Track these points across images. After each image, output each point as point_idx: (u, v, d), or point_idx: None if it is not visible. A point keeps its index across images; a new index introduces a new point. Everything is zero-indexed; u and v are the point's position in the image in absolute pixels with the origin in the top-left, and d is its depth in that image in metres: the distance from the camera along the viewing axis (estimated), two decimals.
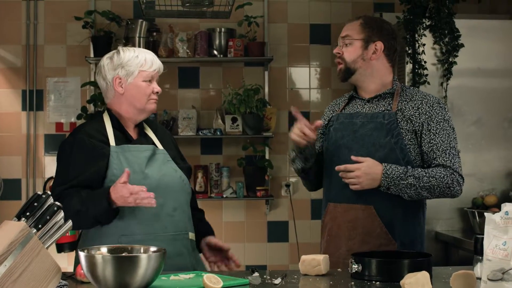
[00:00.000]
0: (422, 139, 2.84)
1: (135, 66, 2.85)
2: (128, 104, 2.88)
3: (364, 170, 2.77)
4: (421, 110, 2.86)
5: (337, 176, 2.88)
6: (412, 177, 2.77)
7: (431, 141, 2.83)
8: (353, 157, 2.80)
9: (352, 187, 2.80)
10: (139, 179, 2.73)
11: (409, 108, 2.87)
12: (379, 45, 2.92)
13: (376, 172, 2.77)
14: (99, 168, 2.75)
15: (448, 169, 2.81)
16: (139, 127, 2.94)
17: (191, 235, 2.88)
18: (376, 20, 3.00)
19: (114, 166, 2.76)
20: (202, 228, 3.02)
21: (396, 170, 2.77)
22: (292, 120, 5.35)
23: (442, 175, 2.79)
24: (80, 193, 2.70)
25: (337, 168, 2.82)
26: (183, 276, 2.42)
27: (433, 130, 2.84)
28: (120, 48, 2.94)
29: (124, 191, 2.61)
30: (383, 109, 2.90)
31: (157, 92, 2.90)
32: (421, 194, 2.80)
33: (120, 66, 2.86)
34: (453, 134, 2.88)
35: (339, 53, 2.95)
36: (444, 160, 2.82)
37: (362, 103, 2.98)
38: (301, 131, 2.83)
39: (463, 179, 2.86)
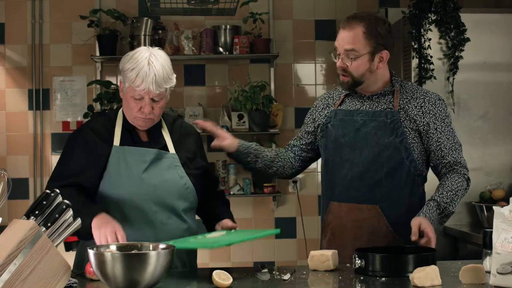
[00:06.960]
0: (429, 138, 2.84)
1: (128, 79, 2.69)
2: (125, 110, 2.80)
3: (428, 223, 2.66)
4: (425, 109, 2.85)
5: (340, 175, 2.88)
6: (445, 206, 2.73)
7: (438, 140, 2.84)
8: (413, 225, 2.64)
9: (433, 243, 2.64)
10: (134, 184, 2.67)
11: (412, 107, 2.85)
12: (385, 54, 2.84)
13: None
14: (96, 170, 2.68)
15: (459, 169, 2.82)
16: (153, 127, 2.81)
17: None
18: (377, 23, 2.83)
19: (112, 168, 2.68)
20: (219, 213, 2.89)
21: (432, 211, 2.71)
22: (298, 117, 5.39)
23: (460, 183, 2.79)
24: (73, 199, 2.49)
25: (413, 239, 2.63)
26: (213, 235, 2.61)
27: (439, 128, 2.84)
28: (136, 49, 2.76)
29: (108, 229, 2.47)
30: (384, 107, 2.87)
31: (143, 112, 2.69)
32: (453, 210, 2.79)
33: (122, 71, 2.73)
34: (453, 128, 2.89)
35: (343, 67, 2.85)
36: (452, 157, 2.83)
37: (361, 100, 2.93)
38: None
39: (468, 170, 2.87)
